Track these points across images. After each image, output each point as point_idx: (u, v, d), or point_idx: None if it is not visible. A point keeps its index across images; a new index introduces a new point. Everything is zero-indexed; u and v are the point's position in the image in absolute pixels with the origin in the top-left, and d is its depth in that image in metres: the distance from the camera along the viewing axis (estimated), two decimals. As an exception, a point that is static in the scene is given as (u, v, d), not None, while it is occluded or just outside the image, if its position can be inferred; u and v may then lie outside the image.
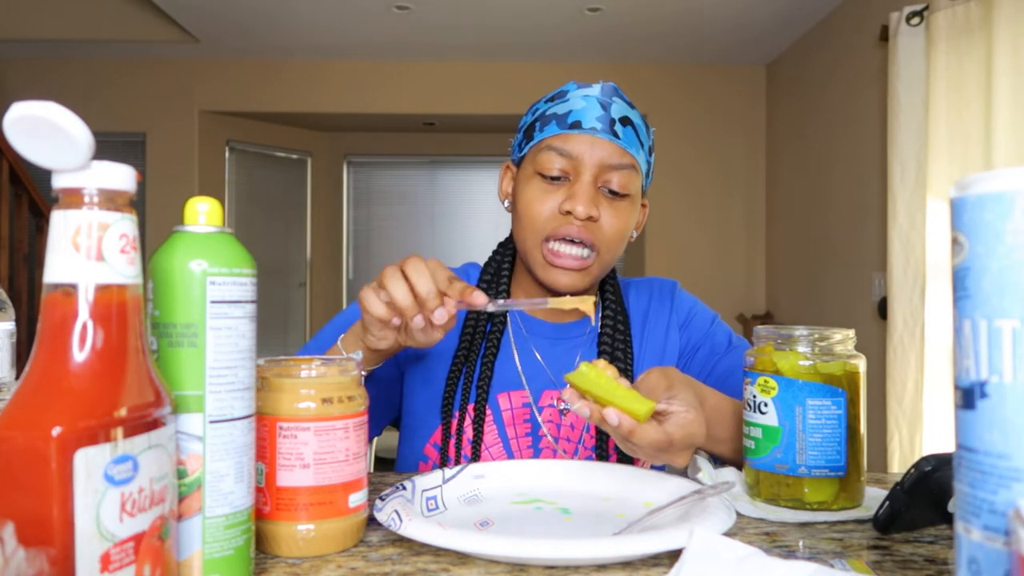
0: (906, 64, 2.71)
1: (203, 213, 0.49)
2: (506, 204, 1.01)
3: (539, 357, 1.00)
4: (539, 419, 0.96)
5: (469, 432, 0.94)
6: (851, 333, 0.70)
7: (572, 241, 0.91)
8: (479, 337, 0.98)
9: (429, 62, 4.47)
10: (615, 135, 0.92)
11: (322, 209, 5.39)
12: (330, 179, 5.43)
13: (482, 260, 1.09)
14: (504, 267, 1.03)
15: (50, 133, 0.38)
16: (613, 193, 0.92)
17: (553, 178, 0.92)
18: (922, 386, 2.62)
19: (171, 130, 4.57)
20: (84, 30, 4.09)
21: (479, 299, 0.71)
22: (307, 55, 4.45)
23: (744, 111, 4.56)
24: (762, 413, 0.69)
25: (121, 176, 0.41)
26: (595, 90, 0.94)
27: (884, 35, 2.89)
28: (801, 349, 0.69)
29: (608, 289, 1.03)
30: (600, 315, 1.02)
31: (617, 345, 0.99)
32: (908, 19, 2.71)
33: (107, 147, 4.36)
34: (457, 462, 0.93)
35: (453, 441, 0.95)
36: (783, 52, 4.28)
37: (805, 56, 3.99)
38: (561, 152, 0.91)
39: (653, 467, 1.01)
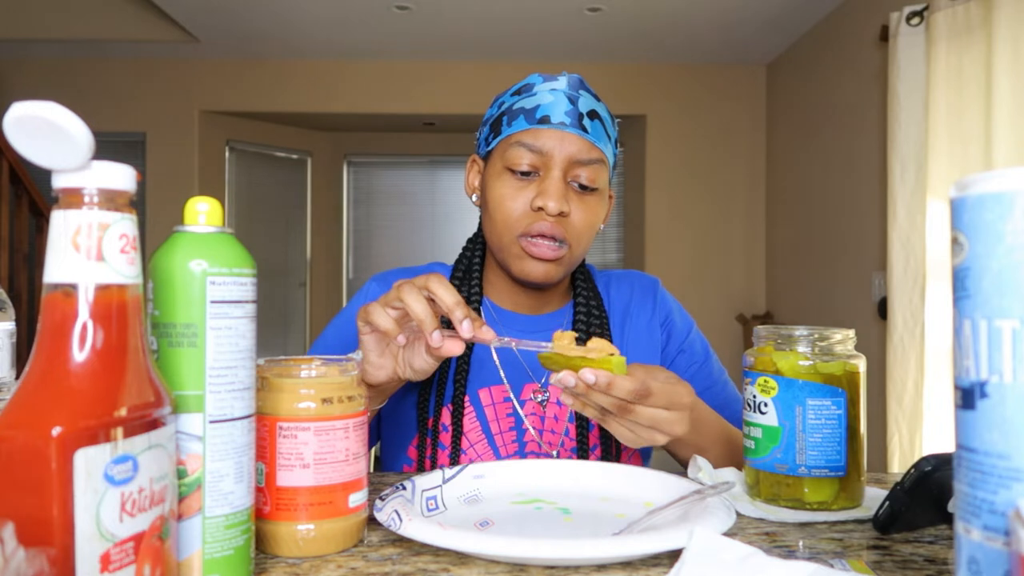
0: (906, 64, 2.71)
1: (203, 213, 0.49)
2: (474, 198, 1.01)
3: (516, 350, 1.00)
4: (521, 413, 0.96)
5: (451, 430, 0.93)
6: (851, 333, 0.70)
7: (545, 236, 0.91)
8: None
9: (429, 62, 4.47)
10: (584, 129, 0.92)
11: (322, 209, 5.38)
12: (330, 179, 5.43)
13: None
14: (475, 264, 1.02)
15: (50, 133, 0.38)
16: (583, 187, 0.93)
17: (523, 173, 0.92)
18: (922, 386, 2.62)
19: (171, 130, 4.57)
20: (84, 30, 4.09)
21: (487, 335, 0.70)
22: (307, 55, 4.45)
23: (744, 111, 4.55)
24: (762, 413, 0.69)
25: (121, 176, 0.41)
26: (561, 83, 0.94)
27: (884, 35, 2.89)
28: (801, 349, 0.69)
29: (579, 279, 1.04)
30: (573, 306, 1.02)
31: (593, 332, 0.99)
32: (908, 19, 2.71)
33: (107, 147, 4.36)
34: (435, 461, 0.93)
35: (430, 440, 0.94)
36: (783, 52, 4.28)
37: (805, 56, 3.99)
38: (530, 147, 0.91)
39: (642, 451, 1.01)
